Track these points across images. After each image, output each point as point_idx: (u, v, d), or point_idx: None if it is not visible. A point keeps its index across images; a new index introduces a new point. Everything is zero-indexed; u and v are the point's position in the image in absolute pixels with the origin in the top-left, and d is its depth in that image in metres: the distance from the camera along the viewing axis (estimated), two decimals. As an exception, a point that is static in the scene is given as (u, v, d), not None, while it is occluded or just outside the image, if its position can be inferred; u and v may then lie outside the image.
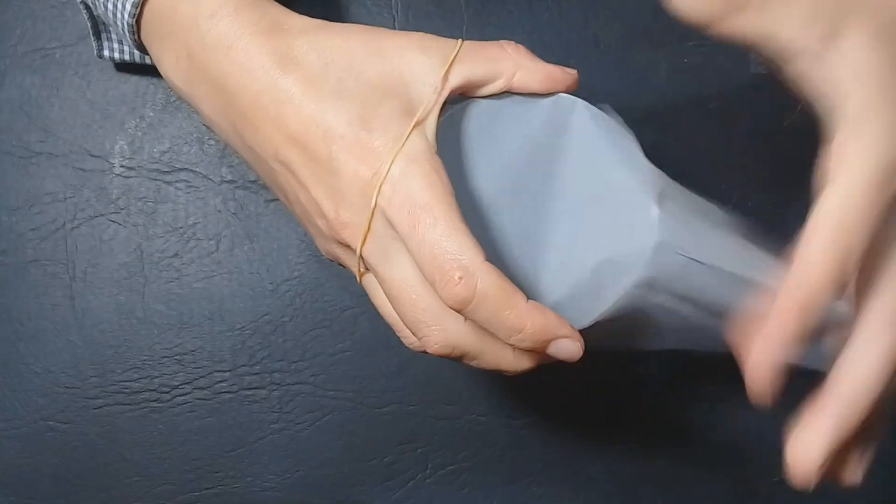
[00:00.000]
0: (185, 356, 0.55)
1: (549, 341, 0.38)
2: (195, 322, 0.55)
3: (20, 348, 0.55)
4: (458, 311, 0.37)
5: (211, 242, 0.55)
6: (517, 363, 0.40)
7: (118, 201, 0.55)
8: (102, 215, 0.55)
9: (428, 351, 0.39)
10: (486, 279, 0.36)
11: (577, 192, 0.42)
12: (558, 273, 0.42)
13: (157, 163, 0.55)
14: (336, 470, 0.57)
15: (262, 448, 0.56)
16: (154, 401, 0.55)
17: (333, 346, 0.56)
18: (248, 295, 0.56)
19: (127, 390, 0.55)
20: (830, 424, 0.37)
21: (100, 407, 0.55)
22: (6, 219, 0.54)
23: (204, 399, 0.56)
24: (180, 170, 0.55)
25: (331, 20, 0.40)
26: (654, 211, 0.40)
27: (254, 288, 0.56)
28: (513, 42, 0.41)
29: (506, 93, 0.42)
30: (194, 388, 0.56)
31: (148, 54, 0.44)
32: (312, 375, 0.56)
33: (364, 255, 0.38)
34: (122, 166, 0.55)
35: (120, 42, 0.50)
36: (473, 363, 0.40)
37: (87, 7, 0.48)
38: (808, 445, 0.37)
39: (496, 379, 0.57)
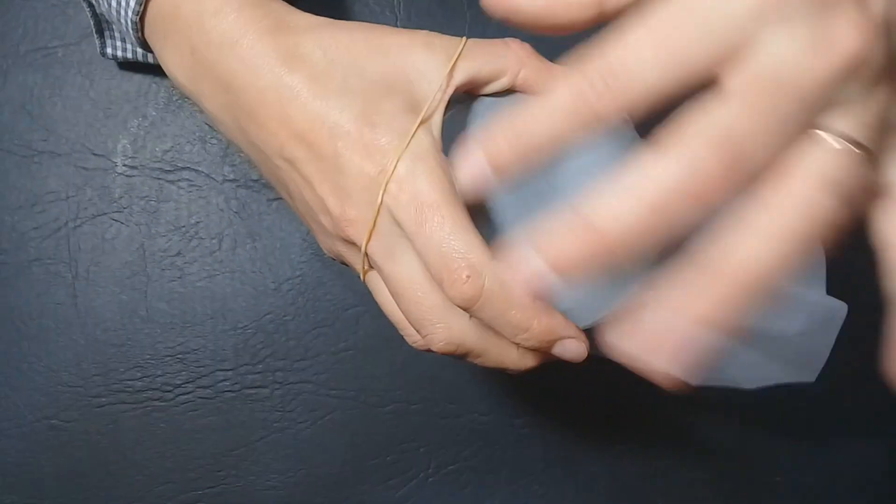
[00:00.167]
0: (188, 355, 0.55)
1: (554, 341, 0.38)
2: (198, 321, 0.55)
3: (23, 347, 0.55)
4: (465, 310, 0.37)
5: (213, 241, 0.55)
6: (521, 361, 0.40)
7: (121, 200, 0.55)
8: (105, 214, 0.55)
9: (432, 349, 0.39)
10: (494, 278, 0.36)
11: (581, 190, 0.42)
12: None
13: (159, 161, 0.55)
14: (338, 469, 0.57)
15: (265, 447, 0.56)
16: (157, 400, 0.55)
17: (336, 345, 0.56)
18: (250, 294, 0.56)
19: (130, 389, 0.55)
20: None
21: (102, 406, 0.55)
22: (9, 218, 0.54)
23: (206, 398, 0.56)
24: (183, 168, 0.55)
25: (333, 18, 0.40)
26: None
27: (256, 287, 0.55)
28: (518, 40, 0.41)
29: (510, 91, 0.42)
30: (197, 387, 0.55)
31: (151, 52, 0.44)
32: (315, 374, 0.56)
33: (369, 253, 0.38)
34: (124, 165, 0.55)
35: (123, 40, 0.50)
36: (477, 361, 0.40)
37: (90, 5, 0.48)
38: None
39: (498, 378, 0.57)
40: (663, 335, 0.29)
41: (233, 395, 0.56)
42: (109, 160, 0.55)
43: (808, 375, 0.43)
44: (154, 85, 0.55)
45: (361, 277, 0.41)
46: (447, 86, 0.39)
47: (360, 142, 0.37)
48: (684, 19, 0.28)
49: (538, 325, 0.37)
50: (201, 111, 0.46)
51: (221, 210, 0.55)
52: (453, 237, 0.36)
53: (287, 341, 0.56)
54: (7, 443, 0.55)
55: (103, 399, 0.55)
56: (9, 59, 0.54)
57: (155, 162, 0.55)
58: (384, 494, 0.57)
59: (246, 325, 0.55)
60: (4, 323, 0.55)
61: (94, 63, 0.54)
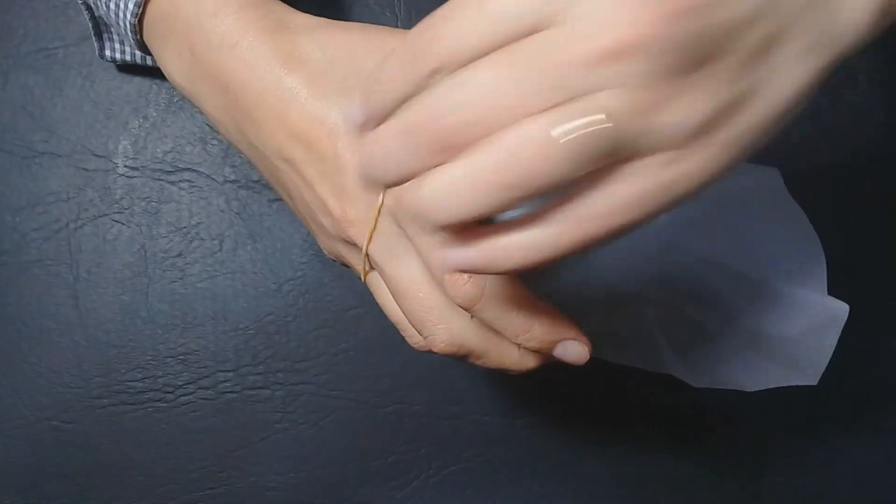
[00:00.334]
0: (189, 356, 0.55)
1: (556, 342, 0.38)
2: (199, 322, 0.55)
3: (24, 348, 0.55)
4: (466, 310, 0.37)
5: (214, 242, 0.55)
6: (522, 362, 0.39)
7: (121, 201, 0.55)
8: (106, 215, 0.55)
9: (433, 350, 0.39)
10: (495, 279, 0.36)
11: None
12: (563, 277, 0.42)
13: (160, 163, 0.55)
14: (339, 470, 0.57)
15: (266, 448, 0.56)
16: (158, 400, 0.55)
17: (337, 346, 0.56)
18: (251, 295, 0.56)
19: (131, 390, 0.55)
20: None
21: (104, 407, 0.55)
22: (10, 219, 0.54)
23: (208, 399, 0.56)
24: (184, 170, 0.55)
25: (333, 19, 0.40)
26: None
27: (257, 288, 0.55)
28: None
29: None
30: (198, 388, 0.55)
31: (149, 54, 0.44)
32: (316, 375, 0.56)
33: (370, 253, 0.38)
34: (125, 166, 0.55)
35: (121, 42, 0.50)
36: (478, 362, 0.40)
37: (89, 7, 0.48)
38: None
39: (499, 379, 0.57)
40: None
41: (234, 396, 0.56)
42: (110, 161, 0.55)
43: (811, 378, 0.43)
44: (155, 86, 0.55)
45: (362, 278, 0.41)
46: None
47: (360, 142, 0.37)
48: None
49: (540, 326, 0.37)
50: (202, 112, 0.46)
51: (222, 211, 0.55)
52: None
53: (288, 342, 0.56)
54: (8, 443, 0.55)
55: (104, 400, 0.55)
56: (10, 59, 0.54)
57: (156, 163, 0.55)
58: (385, 495, 0.57)
59: (247, 326, 0.55)
60: (5, 324, 0.55)
61: (94, 64, 0.54)
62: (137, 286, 0.55)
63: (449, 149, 0.27)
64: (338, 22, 0.40)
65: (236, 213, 0.55)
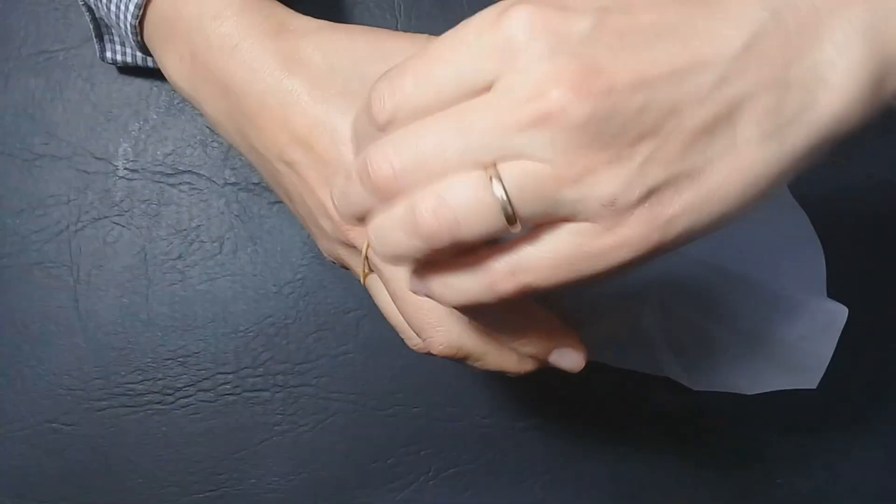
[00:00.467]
0: (189, 358, 0.55)
1: (551, 349, 0.38)
2: (199, 324, 0.55)
3: (24, 350, 0.55)
4: (465, 314, 0.37)
5: (214, 245, 0.55)
6: (521, 365, 0.39)
7: (122, 204, 0.55)
8: (106, 218, 0.55)
9: (432, 352, 0.39)
10: None
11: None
12: None
13: (160, 165, 0.55)
14: (339, 472, 0.57)
15: (266, 450, 0.56)
16: (158, 403, 0.55)
17: (336, 349, 0.56)
18: (251, 297, 0.56)
19: (131, 392, 0.55)
20: None
21: (104, 409, 0.55)
22: (10, 221, 0.54)
23: (207, 401, 0.56)
24: (184, 172, 0.55)
25: (334, 22, 0.40)
26: None
27: (257, 290, 0.56)
28: None
29: None
30: (198, 391, 0.56)
31: (150, 56, 0.44)
32: (316, 377, 0.56)
33: (369, 256, 0.38)
34: (125, 169, 0.55)
35: (122, 44, 0.50)
36: (477, 364, 0.40)
37: (90, 9, 0.48)
38: None
39: (499, 381, 0.57)
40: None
41: (234, 398, 0.56)
42: (111, 164, 0.55)
43: (810, 382, 0.43)
44: (155, 88, 0.55)
45: (362, 281, 0.41)
46: None
47: None
48: None
49: (536, 332, 0.37)
50: (202, 114, 0.46)
51: (222, 213, 0.55)
52: None
53: (288, 345, 0.56)
54: (8, 445, 0.55)
55: (104, 402, 0.55)
56: (10, 62, 0.54)
57: (156, 165, 0.55)
58: (385, 497, 0.57)
59: (247, 329, 0.56)
60: (6, 326, 0.55)
61: (95, 67, 0.54)
62: (137, 288, 0.55)
63: (392, 193, 0.28)
64: (339, 25, 0.40)
65: (236, 216, 0.55)
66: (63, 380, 0.55)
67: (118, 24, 0.43)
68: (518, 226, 0.27)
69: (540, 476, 0.58)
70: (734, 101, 0.27)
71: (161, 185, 0.55)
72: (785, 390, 0.44)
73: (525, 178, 0.27)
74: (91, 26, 0.49)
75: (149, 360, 0.55)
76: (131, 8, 0.41)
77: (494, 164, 0.27)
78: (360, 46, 0.39)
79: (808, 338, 0.42)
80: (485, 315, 0.36)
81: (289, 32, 0.39)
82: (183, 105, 0.55)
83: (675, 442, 0.59)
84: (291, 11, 0.40)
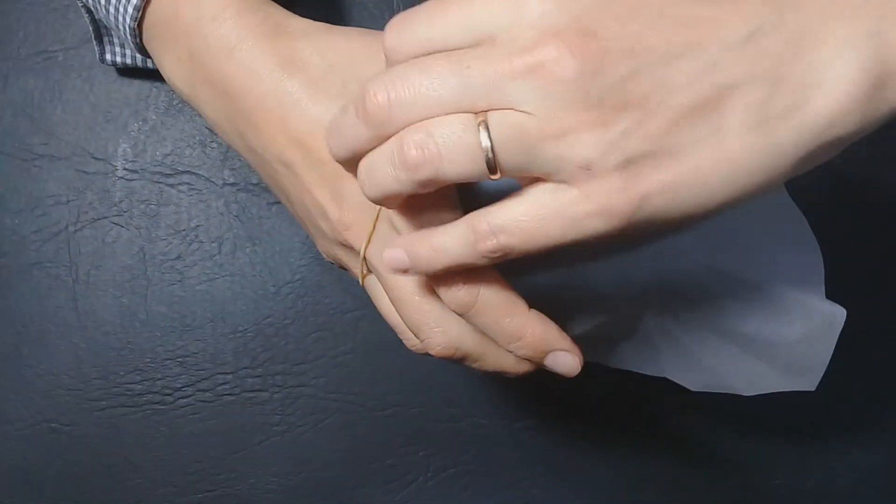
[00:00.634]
0: (188, 358, 0.55)
1: (547, 352, 0.38)
2: (197, 324, 0.55)
3: (23, 350, 0.55)
4: (461, 315, 0.37)
5: (213, 245, 0.55)
6: (519, 365, 0.40)
7: (121, 204, 0.55)
8: (105, 218, 0.55)
9: (430, 352, 0.39)
10: (490, 286, 0.36)
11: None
12: (562, 282, 0.42)
13: (159, 165, 0.55)
14: (338, 472, 0.57)
15: (264, 450, 0.56)
16: (156, 403, 0.56)
17: (335, 349, 0.56)
18: (250, 297, 0.56)
19: (129, 392, 0.55)
20: None
21: (102, 409, 0.55)
22: (9, 221, 0.54)
23: (206, 401, 0.56)
24: (183, 172, 0.55)
25: (332, 23, 0.40)
26: None
27: (256, 290, 0.56)
28: None
29: None
30: (197, 391, 0.56)
31: (149, 57, 0.44)
32: (314, 378, 0.56)
33: (367, 257, 0.38)
34: (124, 169, 0.55)
35: (122, 46, 0.50)
36: (475, 365, 0.40)
37: (89, 11, 0.48)
38: None
39: (497, 382, 0.57)
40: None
41: (232, 398, 0.56)
42: (110, 164, 0.55)
43: (809, 383, 0.43)
44: (154, 89, 0.55)
45: (360, 282, 0.41)
46: None
47: None
48: None
49: (531, 335, 0.37)
50: (201, 115, 0.46)
51: (221, 214, 0.55)
52: None
53: (286, 345, 0.56)
54: (7, 445, 0.55)
55: (103, 402, 0.55)
56: (9, 62, 0.54)
57: (155, 166, 0.55)
58: (383, 498, 0.57)
59: (246, 329, 0.56)
60: (5, 326, 0.55)
61: (94, 67, 0.54)
62: (136, 288, 0.55)
63: (384, 123, 0.30)
64: (337, 27, 0.40)
65: (235, 216, 0.55)
66: (62, 380, 0.55)
67: (117, 27, 0.43)
68: (498, 174, 0.29)
69: (538, 476, 0.58)
70: (724, 89, 0.28)
71: (160, 185, 0.55)
72: (783, 392, 0.44)
73: (511, 128, 0.28)
74: (91, 28, 0.49)
75: (148, 360, 0.55)
76: (130, 10, 0.41)
77: (485, 112, 0.28)
78: (358, 48, 0.39)
79: (806, 339, 0.42)
80: (481, 318, 0.36)
81: (287, 34, 0.39)
82: (182, 106, 0.55)
83: (674, 442, 0.59)
84: (289, 13, 0.40)
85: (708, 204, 0.29)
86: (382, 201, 0.32)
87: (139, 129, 0.55)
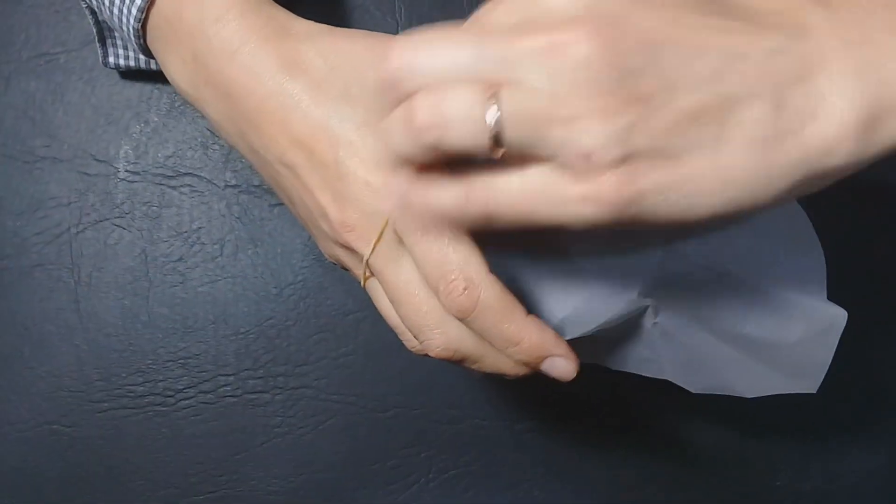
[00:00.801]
0: (190, 360, 0.55)
1: (543, 357, 0.38)
2: (199, 326, 0.55)
3: (25, 352, 0.55)
4: (459, 319, 0.37)
5: (215, 247, 0.55)
6: (517, 367, 0.40)
7: (123, 206, 0.55)
8: (107, 220, 0.55)
9: (430, 354, 0.39)
10: (489, 291, 0.37)
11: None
12: (564, 285, 0.42)
13: (161, 167, 0.55)
14: (339, 474, 0.57)
15: (266, 452, 0.56)
16: (158, 404, 0.56)
17: (337, 350, 0.56)
18: (251, 299, 0.56)
19: (131, 394, 0.55)
20: None
21: (104, 410, 0.55)
22: (11, 223, 0.54)
23: (208, 403, 0.56)
24: (185, 174, 0.55)
25: (334, 25, 0.40)
26: None
27: (258, 292, 0.56)
28: None
29: None
30: (198, 392, 0.56)
31: (153, 58, 0.44)
32: (316, 379, 0.56)
33: (371, 262, 0.39)
34: (126, 171, 0.55)
35: (125, 48, 0.50)
36: (474, 366, 0.40)
37: (93, 12, 0.48)
38: None
39: (498, 383, 0.57)
40: None
41: (234, 400, 0.56)
42: (111, 166, 0.55)
43: (810, 386, 0.43)
44: (156, 91, 0.55)
45: (362, 283, 0.41)
46: None
47: (363, 152, 0.37)
48: None
49: (528, 340, 0.38)
50: (203, 117, 0.46)
51: (223, 215, 0.55)
52: (452, 249, 0.36)
53: (288, 346, 0.56)
54: (9, 447, 0.55)
55: (105, 404, 0.55)
56: (11, 65, 0.54)
57: (157, 168, 0.55)
58: (385, 499, 0.57)
59: (247, 331, 0.56)
60: (7, 328, 0.55)
61: (96, 69, 0.55)
62: (138, 290, 0.55)
63: (399, 85, 0.31)
64: (340, 29, 0.40)
65: (237, 218, 0.55)
66: (63, 381, 0.55)
67: (121, 27, 0.44)
68: (501, 150, 0.29)
69: (539, 478, 0.58)
70: (729, 100, 0.28)
71: (162, 187, 0.55)
72: (784, 394, 0.44)
73: (519, 106, 0.28)
74: (94, 30, 0.49)
75: (149, 361, 0.55)
76: (134, 11, 0.41)
77: (498, 87, 0.29)
78: (360, 51, 0.39)
79: (807, 341, 0.42)
80: (479, 323, 0.37)
81: (290, 36, 0.39)
82: (184, 107, 0.55)
83: (675, 444, 0.59)
84: (292, 15, 0.40)
85: (697, 212, 0.29)
86: (402, 163, 0.33)
87: (141, 130, 0.55)
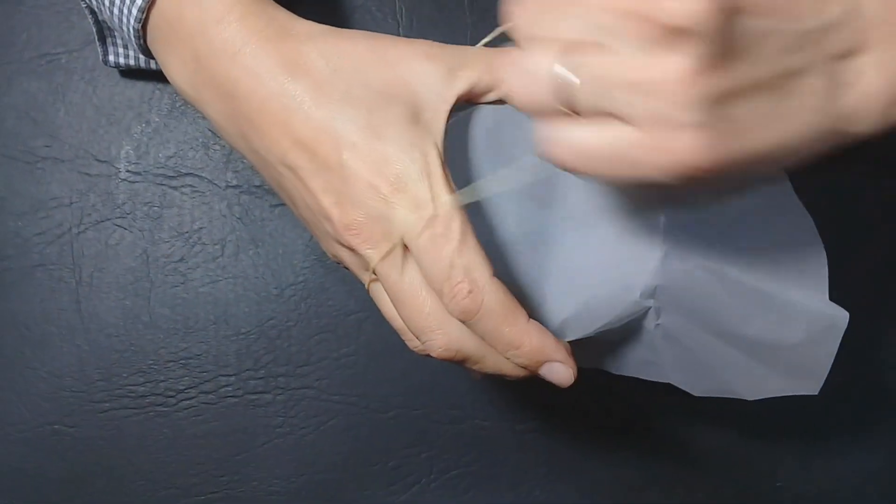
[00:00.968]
0: (191, 360, 0.55)
1: (542, 362, 0.39)
2: (200, 326, 0.55)
3: (26, 352, 0.55)
4: (462, 321, 0.37)
5: (216, 247, 0.55)
6: (518, 369, 0.40)
7: (124, 206, 0.55)
8: (108, 220, 0.55)
9: (432, 354, 0.39)
10: (493, 295, 0.37)
11: (581, 199, 0.42)
12: (566, 286, 0.42)
13: (162, 168, 0.55)
14: (340, 474, 0.57)
15: (267, 452, 0.56)
16: (159, 405, 0.56)
17: (338, 351, 0.56)
18: (253, 299, 0.56)
19: (132, 394, 0.55)
20: None
21: (105, 411, 0.55)
22: (12, 224, 0.54)
23: (209, 403, 0.56)
24: (186, 175, 0.55)
25: (335, 26, 0.40)
26: (661, 219, 0.40)
27: (259, 293, 0.56)
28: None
29: None
30: (199, 393, 0.56)
31: (153, 59, 0.44)
32: (317, 380, 0.56)
33: (378, 270, 0.39)
34: (127, 171, 0.55)
35: (125, 47, 0.50)
36: (476, 367, 0.40)
37: (93, 12, 0.48)
38: None
39: (500, 384, 0.57)
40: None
41: (235, 400, 0.56)
42: (113, 166, 0.55)
43: (812, 387, 0.43)
44: (157, 91, 0.55)
45: (366, 286, 0.41)
46: (448, 96, 0.39)
47: (367, 154, 0.37)
48: None
49: (529, 344, 0.38)
50: (204, 117, 0.46)
51: (224, 216, 0.55)
52: (458, 253, 0.37)
53: (289, 347, 0.56)
54: (10, 447, 0.55)
55: (106, 404, 0.55)
56: (12, 65, 0.54)
57: (158, 168, 0.55)
58: (386, 500, 0.57)
59: (248, 331, 0.56)
60: (8, 328, 0.55)
61: (97, 69, 0.55)
62: (139, 291, 0.55)
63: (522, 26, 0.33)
64: (341, 30, 0.40)
65: (238, 218, 0.55)
66: (65, 382, 0.55)
67: (121, 28, 0.43)
68: (578, 106, 0.31)
69: (540, 478, 0.58)
70: (793, 73, 0.30)
71: (163, 187, 0.55)
72: (786, 395, 0.44)
73: (601, 68, 0.30)
74: (94, 29, 0.49)
75: (150, 362, 0.55)
76: (134, 12, 0.41)
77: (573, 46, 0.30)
78: (362, 52, 0.39)
79: (809, 342, 0.42)
80: (481, 325, 0.37)
81: (291, 37, 0.39)
82: (185, 108, 0.55)
83: (676, 444, 0.59)
84: (294, 16, 0.40)
85: (765, 167, 0.32)
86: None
87: (142, 131, 0.55)
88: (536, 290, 0.42)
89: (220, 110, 0.41)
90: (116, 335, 0.55)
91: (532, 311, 0.39)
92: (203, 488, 0.56)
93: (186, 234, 0.55)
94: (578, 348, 0.40)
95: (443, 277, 0.37)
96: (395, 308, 0.39)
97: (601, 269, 0.41)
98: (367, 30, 0.50)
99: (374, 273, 0.39)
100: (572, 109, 0.31)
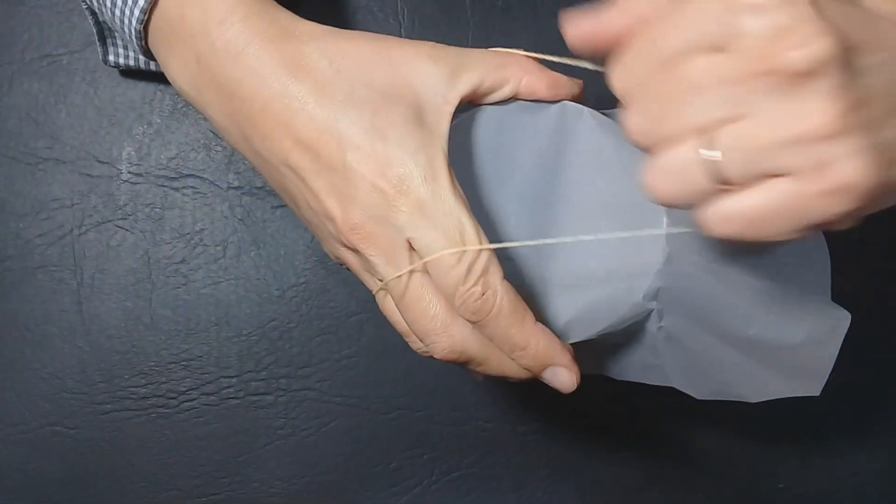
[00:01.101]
0: (192, 362, 0.55)
1: (546, 365, 0.39)
2: (202, 328, 0.55)
3: (27, 354, 0.55)
4: (471, 322, 0.38)
5: (218, 248, 0.55)
6: (521, 371, 0.40)
7: (125, 207, 0.55)
8: (110, 221, 0.55)
9: (435, 356, 0.39)
10: (504, 297, 0.37)
11: (584, 199, 0.42)
12: (568, 289, 0.42)
13: (164, 169, 0.55)
14: (342, 476, 0.57)
15: (269, 453, 0.56)
16: (161, 406, 0.56)
17: (340, 352, 0.56)
18: (254, 301, 0.56)
19: (134, 396, 0.55)
20: None
21: (107, 412, 0.55)
22: (14, 225, 0.54)
23: (210, 405, 0.56)
24: (187, 176, 0.55)
25: (337, 27, 0.40)
26: (664, 221, 0.40)
27: (260, 294, 0.56)
28: (521, 50, 0.42)
29: (513, 99, 0.42)
30: (201, 394, 0.56)
31: (154, 60, 0.44)
32: (318, 381, 0.56)
33: (370, 260, 0.39)
34: (129, 172, 0.55)
35: (125, 48, 0.50)
36: (479, 369, 0.40)
37: (93, 13, 0.48)
38: None
39: (502, 385, 0.57)
40: None
41: (237, 401, 0.56)
42: (114, 167, 0.55)
43: (813, 388, 0.43)
44: (159, 92, 0.55)
45: (374, 292, 0.41)
46: (452, 97, 0.39)
47: (371, 156, 0.37)
48: None
49: (535, 347, 0.38)
50: (206, 118, 0.46)
51: (226, 217, 0.55)
52: (476, 260, 0.37)
53: (291, 348, 0.56)
54: (11, 449, 0.55)
55: (108, 406, 0.55)
56: (14, 66, 0.54)
57: (160, 169, 0.55)
58: (387, 501, 0.57)
59: (250, 332, 0.56)
60: (9, 329, 0.55)
61: (98, 70, 0.54)
62: (141, 292, 0.55)
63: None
64: (343, 31, 0.40)
65: (240, 220, 0.55)
66: (66, 383, 0.55)
67: (122, 29, 0.43)
68: (732, 179, 0.30)
69: (542, 480, 0.58)
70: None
71: (165, 188, 0.55)
72: (787, 397, 0.44)
73: (744, 137, 0.30)
74: (94, 30, 0.49)
75: (152, 363, 0.55)
76: (136, 13, 0.41)
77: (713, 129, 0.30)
78: (365, 53, 0.39)
79: (811, 343, 0.42)
80: (490, 326, 0.37)
81: (294, 38, 0.39)
82: (186, 109, 0.55)
83: (678, 447, 0.59)
84: (296, 17, 0.40)
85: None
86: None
87: (143, 132, 0.55)
88: (540, 292, 0.42)
89: (221, 111, 0.41)
90: (118, 336, 0.55)
91: (535, 313, 0.39)
92: (204, 490, 0.56)
93: (188, 236, 0.55)
94: (581, 352, 0.40)
95: (457, 282, 0.37)
96: (400, 311, 0.40)
97: (604, 272, 0.41)
98: (369, 30, 0.50)
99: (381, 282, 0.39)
100: (728, 184, 0.30)
